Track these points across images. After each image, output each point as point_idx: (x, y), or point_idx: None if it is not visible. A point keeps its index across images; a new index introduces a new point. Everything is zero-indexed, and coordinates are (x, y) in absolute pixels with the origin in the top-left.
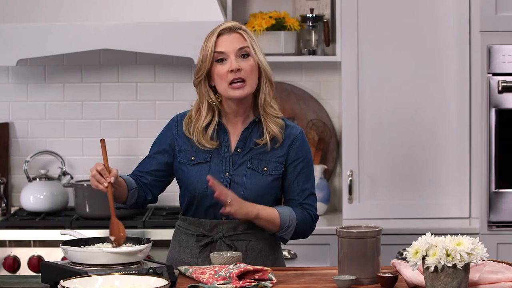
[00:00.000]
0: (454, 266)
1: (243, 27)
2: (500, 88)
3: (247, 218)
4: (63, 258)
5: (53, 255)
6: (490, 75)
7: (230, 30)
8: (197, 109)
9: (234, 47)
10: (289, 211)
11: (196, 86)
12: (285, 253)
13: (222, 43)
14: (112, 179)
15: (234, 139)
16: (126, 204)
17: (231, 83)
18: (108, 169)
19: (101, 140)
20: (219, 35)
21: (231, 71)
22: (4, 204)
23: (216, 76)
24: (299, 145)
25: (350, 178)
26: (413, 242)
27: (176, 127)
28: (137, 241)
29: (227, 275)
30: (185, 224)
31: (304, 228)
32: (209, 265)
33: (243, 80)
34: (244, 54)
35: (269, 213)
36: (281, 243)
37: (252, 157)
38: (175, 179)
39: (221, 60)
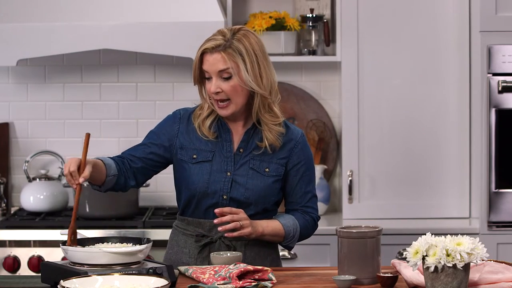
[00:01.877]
0: (454, 266)
1: (235, 41)
2: (500, 88)
3: (253, 237)
4: (63, 258)
5: (53, 255)
6: (490, 75)
7: (213, 49)
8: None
9: (215, 68)
10: (292, 221)
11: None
12: (285, 253)
13: (205, 62)
14: (81, 180)
15: (236, 139)
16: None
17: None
18: (83, 167)
19: (86, 133)
20: (203, 53)
21: (212, 92)
22: (4, 204)
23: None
24: (301, 149)
25: (350, 178)
26: (413, 242)
27: (178, 123)
28: (137, 241)
29: (227, 275)
30: (183, 225)
31: (307, 232)
32: (209, 265)
33: (227, 99)
34: (225, 76)
35: (273, 227)
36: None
37: (254, 157)
38: (172, 178)
39: (207, 78)
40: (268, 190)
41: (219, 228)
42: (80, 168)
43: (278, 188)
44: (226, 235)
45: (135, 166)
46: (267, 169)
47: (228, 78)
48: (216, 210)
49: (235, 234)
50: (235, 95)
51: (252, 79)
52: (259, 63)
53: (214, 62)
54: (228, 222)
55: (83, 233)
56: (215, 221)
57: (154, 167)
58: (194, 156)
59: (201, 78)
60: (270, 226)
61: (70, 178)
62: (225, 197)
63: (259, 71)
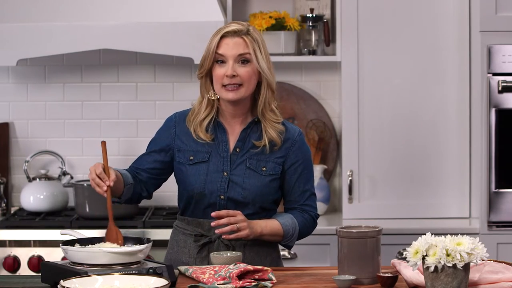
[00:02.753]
0: (454, 266)
1: (251, 30)
2: (500, 88)
3: (251, 238)
4: (63, 258)
5: (53, 255)
6: (490, 75)
7: (235, 34)
8: (200, 101)
9: (235, 52)
10: (291, 219)
11: (199, 79)
12: (285, 253)
13: (224, 45)
14: (111, 183)
15: (233, 138)
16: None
17: (226, 85)
18: (108, 172)
19: (102, 142)
20: (223, 37)
21: (227, 76)
22: (4, 204)
23: (214, 75)
24: (298, 147)
25: (350, 178)
26: (413, 242)
27: (174, 127)
28: (137, 241)
29: (227, 275)
30: (183, 224)
31: (306, 230)
32: (208, 265)
33: (238, 85)
34: (243, 60)
35: (272, 227)
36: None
37: (250, 157)
38: (173, 178)
39: (221, 62)
40: (265, 189)
41: (216, 231)
42: (105, 171)
43: (275, 187)
44: (223, 237)
45: (142, 178)
46: (264, 168)
47: (246, 63)
48: (213, 214)
49: (232, 236)
50: (248, 82)
51: (266, 67)
52: (267, 56)
53: (235, 46)
54: (225, 225)
55: (83, 233)
56: (212, 224)
57: (160, 175)
58: (191, 158)
59: (206, 70)
60: (268, 226)
61: (99, 181)
62: (222, 197)
63: (269, 63)
